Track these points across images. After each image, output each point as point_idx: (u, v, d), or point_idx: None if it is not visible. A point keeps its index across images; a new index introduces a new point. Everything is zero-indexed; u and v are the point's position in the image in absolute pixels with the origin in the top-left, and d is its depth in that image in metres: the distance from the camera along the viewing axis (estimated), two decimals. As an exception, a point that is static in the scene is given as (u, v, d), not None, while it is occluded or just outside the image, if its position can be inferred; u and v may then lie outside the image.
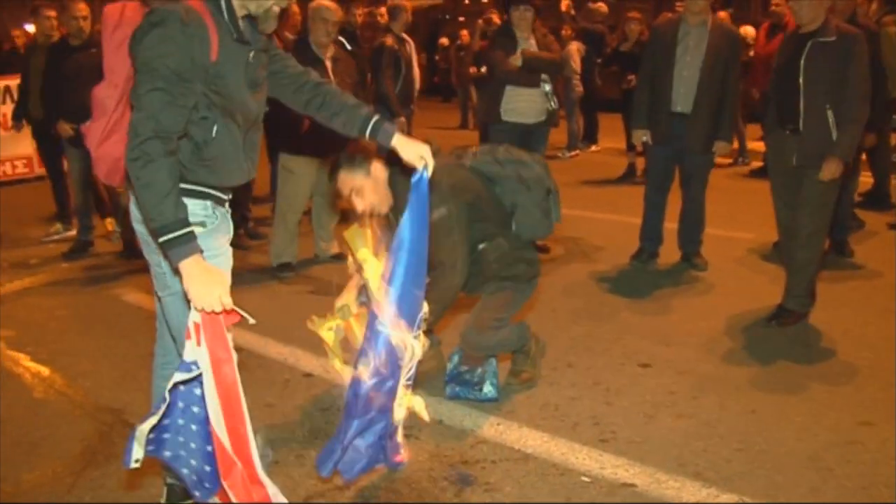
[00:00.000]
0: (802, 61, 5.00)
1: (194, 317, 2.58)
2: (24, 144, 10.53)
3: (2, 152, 11.07)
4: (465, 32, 17.68)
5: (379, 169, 3.78)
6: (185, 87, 2.55)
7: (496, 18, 12.04)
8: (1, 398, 4.49)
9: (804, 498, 3.36)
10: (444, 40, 22.90)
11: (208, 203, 2.87)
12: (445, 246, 3.80)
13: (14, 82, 9.75)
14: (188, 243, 2.55)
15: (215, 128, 2.72)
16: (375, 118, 3.15)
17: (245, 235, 7.51)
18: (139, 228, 2.91)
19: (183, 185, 2.64)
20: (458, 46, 18.23)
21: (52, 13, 7.71)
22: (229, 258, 3.02)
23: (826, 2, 5.00)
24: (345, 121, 3.18)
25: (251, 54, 2.79)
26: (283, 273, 6.52)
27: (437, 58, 24.20)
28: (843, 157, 4.95)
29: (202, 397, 2.62)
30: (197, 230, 2.64)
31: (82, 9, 6.95)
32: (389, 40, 7.91)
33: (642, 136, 6.40)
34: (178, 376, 2.60)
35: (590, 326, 5.31)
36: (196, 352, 2.59)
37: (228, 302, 2.58)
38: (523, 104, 6.75)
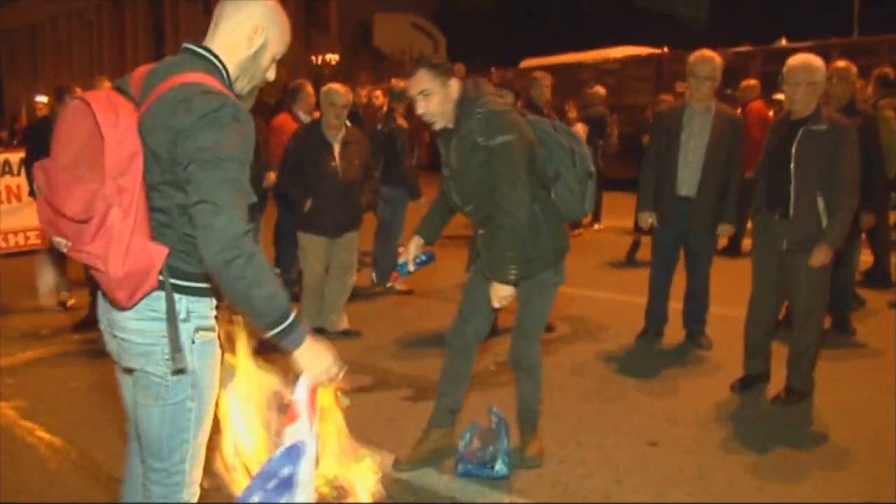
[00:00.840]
0: (794, 148, 5.15)
1: (300, 395, 2.53)
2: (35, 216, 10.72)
3: (14, 223, 11.28)
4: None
5: (455, 88, 3.90)
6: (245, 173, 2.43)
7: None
8: (18, 468, 4.57)
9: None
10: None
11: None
12: (506, 179, 3.84)
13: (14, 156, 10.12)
14: (298, 324, 2.46)
15: None
16: None
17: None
18: (130, 338, 2.56)
19: (200, 285, 2.56)
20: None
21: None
22: None
23: (819, 90, 5.18)
24: None
25: None
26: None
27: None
28: (832, 245, 5.08)
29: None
30: (209, 336, 2.61)
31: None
32: (402, 122, 8.20)
33: (648, 219, 6.54)
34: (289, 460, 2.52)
35: (598, 405, 5.39)
36: (306, 431, 2.53)
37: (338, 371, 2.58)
38: None
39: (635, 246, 10.40)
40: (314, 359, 2.50)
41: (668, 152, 6.35)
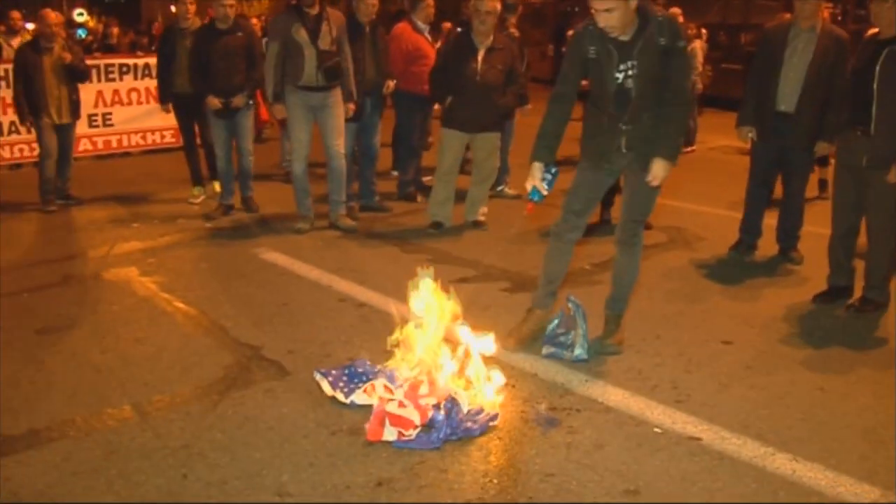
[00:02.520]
0: (877, 67, 5.34)
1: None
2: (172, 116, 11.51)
3: (154, 123, 12.08)
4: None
5: (634, 2, 4.36)
6: None
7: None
8: (158, 330, 5.29)
9: (854, 464, 3.76)
10: (572, 32, 23.19)
11: None
12: (686, 75, 4.82)
13: (154, 60, 10.63)
14: None
15: None
16: None
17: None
18: None
19: None
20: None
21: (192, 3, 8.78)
22: None
23: None
24: None
25: None
26: (432, 230, 7.49)
27: (563, 49, 24.52)
28: None
29: None
30: None
31: None
32: (514, 31, 8.58)
33: (748, 133, 6.76)
34: None
35: (682, 306, 5.78)
36: None
37: None
38: None
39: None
40: None
41: (770, 68, 6.50)
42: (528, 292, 5.87)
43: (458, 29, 8.28)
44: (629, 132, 4.64)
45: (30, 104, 8.56)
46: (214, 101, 7.94)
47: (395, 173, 9.55)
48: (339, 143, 7.52)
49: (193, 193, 9.08)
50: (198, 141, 9.06)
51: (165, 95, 8.97)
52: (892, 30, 5.33)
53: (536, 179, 4.68)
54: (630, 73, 4.52)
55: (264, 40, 8.77)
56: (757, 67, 6.74)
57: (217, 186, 8.89)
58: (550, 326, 4.89)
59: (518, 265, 6.56)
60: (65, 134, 8.80)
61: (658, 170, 4.55)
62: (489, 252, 6.91)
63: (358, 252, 7.01)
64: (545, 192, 4.68)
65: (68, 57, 8.60)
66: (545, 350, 4.84)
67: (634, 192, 4.82)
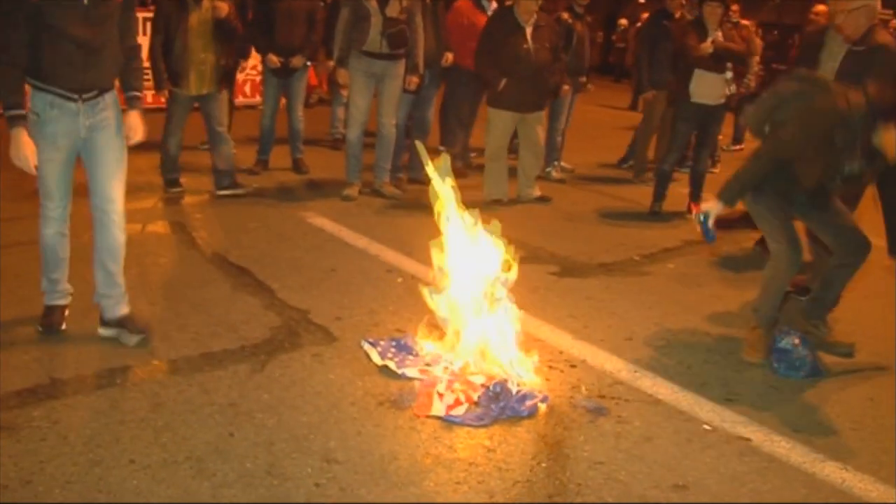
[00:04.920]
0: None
1: None
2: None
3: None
4: (645, 14, 17.79)
5: None
6: None
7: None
8: (205, 286, 5.29)
9: (903, 477, 3.70)
10: (624, 21, 23.03)
11: None
12: None
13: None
14: None
15: None
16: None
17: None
18: None
19: None
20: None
21: None
22: None
23: None
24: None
25: None
26: (493, 207, 7.46)
27: (613, 37, 24.37)
28: None
29: None
30: None
31: None
32: (565, 14, 8.53)
33: None
34: None
35: (736, 305, 5.66)
36: None
37: None
38: (708, 87, 7.35)
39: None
40: None
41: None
42: (576, 278, 5.85)
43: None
44: None
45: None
46: (274, 59, 7.98)
47: (442, 148, 9.49)
48: (394, 113, 7.54)
49: None
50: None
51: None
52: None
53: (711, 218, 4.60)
54: None
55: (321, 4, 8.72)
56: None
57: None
58: (784, 342, 4.73)
59: (566, 249, 6.51)
60: (209, 106, 7.25)
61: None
62: (535, 233, 6.86)
63: (406, 223, 6.96)
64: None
65: (225, 8, 6.94)
66: (775, 364, 4.71)
67: None
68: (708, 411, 4.10)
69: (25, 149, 3.94)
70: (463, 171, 8.78)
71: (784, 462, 3.71)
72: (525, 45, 7.24)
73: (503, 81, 7.25)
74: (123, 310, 4.44)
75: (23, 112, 3.95)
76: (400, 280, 5.58)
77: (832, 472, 3.67)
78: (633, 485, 3.41)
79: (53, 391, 3.83)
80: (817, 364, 4.66)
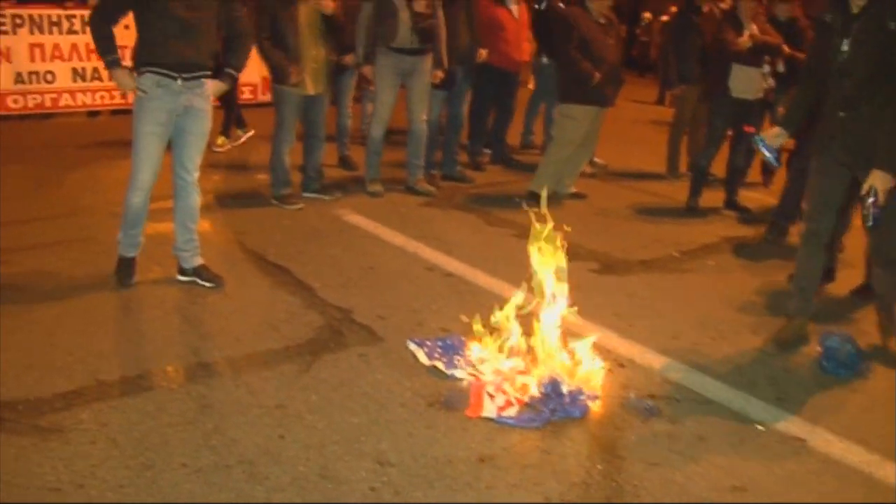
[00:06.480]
0: None
1: None
2: (251, 73, 11.51)
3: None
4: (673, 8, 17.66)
5: None
6: None
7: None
8: (244, 285, 5.27)
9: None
10: (648, 14, 22.89)
11: None
12: None
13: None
14: None
15: None
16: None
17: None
18: None
19: None
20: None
21: None
22: None
23: None
24: None
25: None
26: (530, 200, 7.25)
27: (637, 31, 24.23)
28: None
29: None
30: None
31: None
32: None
33: None
34: None
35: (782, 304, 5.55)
36: None
37: None
38: (747, 82, 7.31)
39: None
40: None
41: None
42: (616, 275, 5.79)
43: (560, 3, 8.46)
44: (845, 121, 4.36)
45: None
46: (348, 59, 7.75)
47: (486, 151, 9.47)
48: (424, 109, 7.49)
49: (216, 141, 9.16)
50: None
51: None
52: None
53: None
54: (840, 58, 4.28)
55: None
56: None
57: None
58: (832, 340, 4.64)
59: (605, 245, 6.44)
60: (316, 108, 7.07)
61: (875, 180, 4.19)
62: (573, 229, 6.76)
63: (441, 221, 6.92)
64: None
65: (330, 5, 6.78)
66: (824, 362, 4.62)
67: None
68: (760, 411, 4.03)
69: (125, 84, 4.80)
70: (485, 162, 8.85)
71: (840, 463, 3.65)
72: (609, 41, 7.28)
73: (597, 75, 7.13)
74: (198, 261, 5.23)
75: (118, 58, 4.74)
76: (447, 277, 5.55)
77: (890, 473, 3.60)
78: (690, 487, 3.36)
79: (99, 393, 3.81)
80: (865, 362, 4.59)
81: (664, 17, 17.82)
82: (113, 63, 4.71)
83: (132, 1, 4.68)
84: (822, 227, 4.67)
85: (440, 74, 7.50)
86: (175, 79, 4.74)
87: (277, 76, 6.75)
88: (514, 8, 8.68)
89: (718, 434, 3.78)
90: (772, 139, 4.71)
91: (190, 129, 4.92)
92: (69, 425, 3.53)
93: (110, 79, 4.99)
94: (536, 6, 9.31)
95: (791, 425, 3.92)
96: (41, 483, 3.13)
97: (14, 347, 4.21)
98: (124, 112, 9.20)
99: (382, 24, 7.12)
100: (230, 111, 9.41)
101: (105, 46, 4.70)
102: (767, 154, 4.76)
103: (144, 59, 4.74)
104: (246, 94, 12.00)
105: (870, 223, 4.24)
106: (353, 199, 7.40)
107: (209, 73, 4.95)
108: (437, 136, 8.17)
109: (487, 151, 9.23)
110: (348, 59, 7.58)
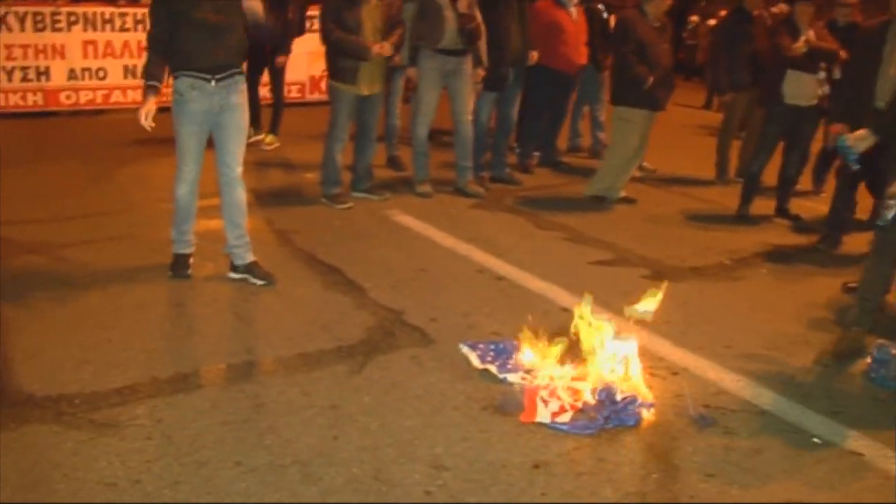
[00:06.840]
0: None
1: None
2: (299, 72, 11.56)
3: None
4: (722, 12, 17.49)
5: None
6: None
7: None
8: (295, 284, 5.30)
9: None
10: (695, 17, 22.67)
11: None
12: None
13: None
14: None
15: None
16: None
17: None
18: None
19: None
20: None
21: None
22: None
23: None
24: None
25: None
26: (596, 203, 7.45)
27: (684, 34, 24.01)
28: None
29: None
30: None
31: None
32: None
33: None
34: None
35: (835, 314, 5.44)
36: None
37: None
38: (802, 88, 7.22)
39: None
40: None
41: (870, 65, 6.05)
42: (668, 282, 5.71)
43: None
44: None
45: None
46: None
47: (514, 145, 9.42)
48: (469, 109, 7.48)
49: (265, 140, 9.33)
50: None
51: None
52: None
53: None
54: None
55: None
56: (854, 66, 6.44)
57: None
58: (882, 352, 4.56)
59: (656, 251, 6.37)
60: (370, 109, 7.07)
61: None
62: (624, 234, 6.76)
63: (491, 223, 6.90)
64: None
65: (397, 2, 6.86)
66: (872, 374, 4.55)
67: None
68: (816, 424, 3.97)
69: (146, 107, 4.87)
70: (532, 166, 8.82)
71: (900, 479, 3.58)
72: (664, 46, 7.30)
73: (651, 79, 7.14)
74: (250, 257, 5.28)
75: (156, 84, 4.95)
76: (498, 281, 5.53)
77: (951, 491, 3.53)
78: (746, 499, 3.31)
79: (154, 389, 3.85)
80: None
81: (711, 21, 17.61)
82: (149, 89, 4.94)
83: (165, 15, 4.87)
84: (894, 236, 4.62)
85: (482, 73, 7.50)
86: (209, 81, 4.93)
87: (338, 72, 6.78)
88: (573, 10, 8.62)
89: (774, 447, 3.73)
90: (855, 141, 4.66)
91: (227, 124, 5.07)
92: (124, 420, 3.56)
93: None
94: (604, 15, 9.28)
95: (848, 439, 3.85)
96: (98, 478, 3.17)
97: (71, 342, 4.27)
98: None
99: (426, 25, 7.12)
100: (278, 109, 9.46)
101: (148, 71, 4.99)
102: (849, 157, 4.81)
103: (179, 64, 4.95)
104: (293, 93, 12.04)
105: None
106: (402, 199, 7.41)
107: (240, 70, 5.15)
108: (487, 138, 8.14)
109: (536, 154, 9.20)
110: (397, 59, 7.55)
